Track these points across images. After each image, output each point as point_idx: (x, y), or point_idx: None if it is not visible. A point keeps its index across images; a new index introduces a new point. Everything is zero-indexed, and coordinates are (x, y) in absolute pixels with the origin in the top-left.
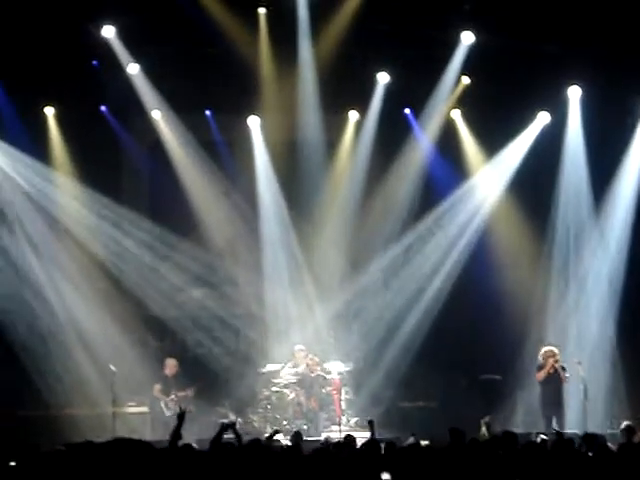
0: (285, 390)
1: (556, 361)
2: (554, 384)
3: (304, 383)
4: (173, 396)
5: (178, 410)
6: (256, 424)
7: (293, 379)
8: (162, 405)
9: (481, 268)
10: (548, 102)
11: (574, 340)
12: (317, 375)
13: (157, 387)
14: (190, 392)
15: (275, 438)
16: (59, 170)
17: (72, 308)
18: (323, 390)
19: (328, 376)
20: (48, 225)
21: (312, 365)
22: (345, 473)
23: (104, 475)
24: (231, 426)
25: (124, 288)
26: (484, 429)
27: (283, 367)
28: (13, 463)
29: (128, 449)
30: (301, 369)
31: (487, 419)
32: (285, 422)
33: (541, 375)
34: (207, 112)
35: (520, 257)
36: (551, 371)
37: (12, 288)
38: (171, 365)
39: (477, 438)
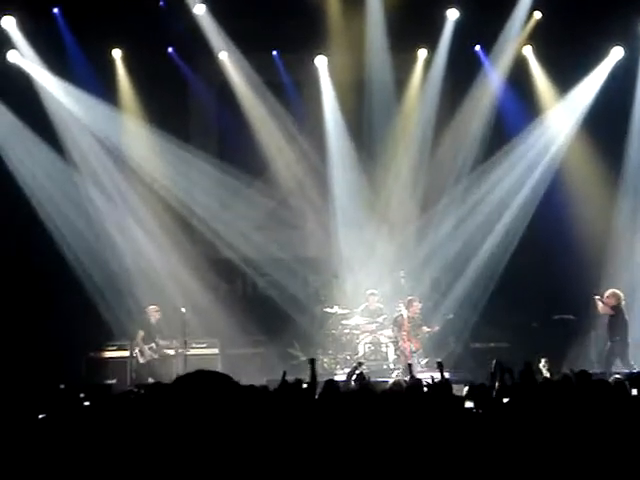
0: (355, 331)
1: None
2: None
3: (413, 324)
4: (153, 344)
5: (151, 358)
6: (326, 365)
7: (363, 321)
8: (137, 352)
9: (554, 206)
10: (621, 37)
11: None
12: (418, 316)
13: (140, 334)
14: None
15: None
16: (127, 112)
17: (143, 251)
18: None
19: (398, 317)
20: (117, 167)
21: (415, 307)
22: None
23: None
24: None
25: (194, 230)
26: (544, 370)
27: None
28: (87, 403)
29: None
30: (404, 312)
31: (544, 361)
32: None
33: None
34: (274, 52)
35: (593, 195)
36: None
37: (83, 231)
38: (153, 312)
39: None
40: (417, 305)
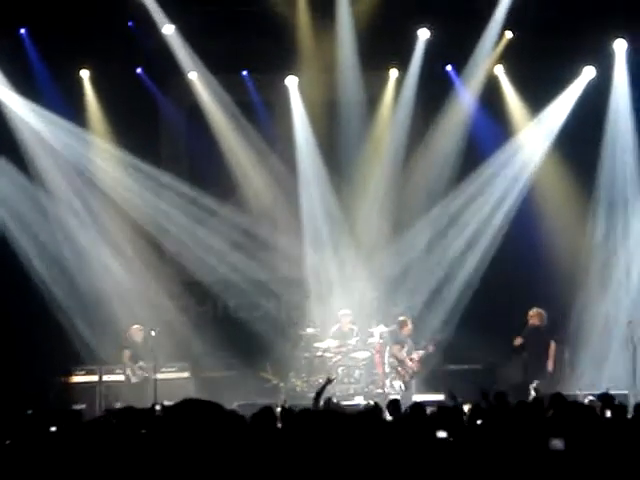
0: (327, 354)
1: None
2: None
3: (404, 343)
4: (142, 363)
5: (142, 378)
6: (298, 389)
7: (335, 343)
8: (129, 372)
9: (528, 227)
10: (593, 56)
11: (624, 300)
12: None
13: (127, 353)
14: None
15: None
16: (96, 133)
17: (113, 272)
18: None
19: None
20: (87, 189)
21: (408, 329)
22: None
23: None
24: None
25: (165, 252)
26: (533, 393)
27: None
28: (54, 428)
29: (203, 411)
30: (401, 329)
31: (535, 384)
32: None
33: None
34: (244, 72)
35: (566, 213)
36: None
37: (52, 251)
38: (137, 331)
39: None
40: (409, 327)
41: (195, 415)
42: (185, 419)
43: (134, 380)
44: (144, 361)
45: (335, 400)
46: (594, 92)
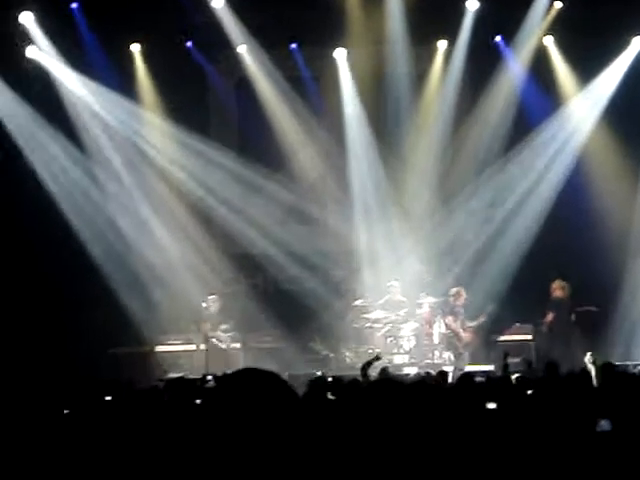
0: (376, 325)
1: None
2: None
3: (458, 314)
4: (225, 326)
5: (229, 342)
6: (348, 360)
7: (384, 314)
8: (215, 341)
9: (576, 197)
10: None
11: None
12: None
13: (206, 325)
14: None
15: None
16: (147, 107)
17: (163, 245)
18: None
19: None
20: (137, 162)
21: (463, 298)
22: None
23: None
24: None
25: (215, 225)
26: (590, 365)
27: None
28: (109, 398)
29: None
30: (455, 300)
31: (590, 355)
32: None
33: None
34: (293, 46)
35: (616, 186)
36: None
37: (103, 226)
38: (213, 301)
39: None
40: (464, 296)
41: (255, 384)
42: (245, 388)
43: (223, 346)
44: (225, 328)
45: (389, 370)
46: None
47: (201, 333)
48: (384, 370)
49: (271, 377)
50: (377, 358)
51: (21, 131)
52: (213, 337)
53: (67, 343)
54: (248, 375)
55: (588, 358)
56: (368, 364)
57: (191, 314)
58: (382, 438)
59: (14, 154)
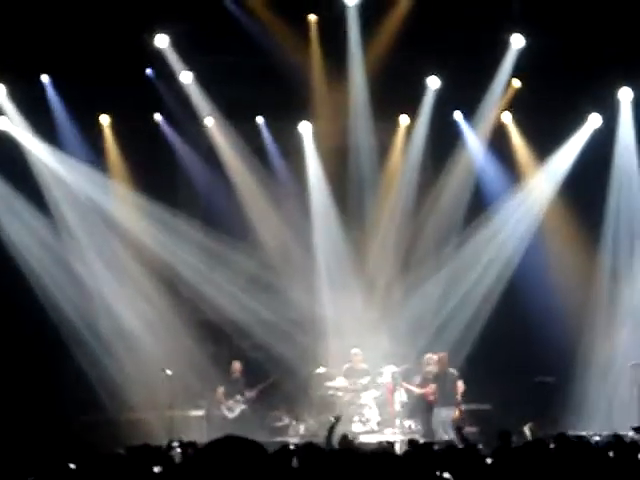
0: (338, 393)
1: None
2: None
3: (438, 381)
4: (239, 397)
5: (238, 411)
6: (310, 427)
7: (347, 382)
8: (223, 408)
9: (533, 271)
10: (599, 104)
11: (629, 342)
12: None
13: (221, 390)
14: (255, 392)
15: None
16: (115, 178)
17: (128, 313)
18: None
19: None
20: (105, 232)
21: (443, 362)
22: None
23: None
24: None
25: (180, 293)
26: (528, 434)
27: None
28: (73, 466)
29: (240, 449)
30: (433, 368)
31: (530, 424)
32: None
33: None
34: (259, 119)
35: (572, 260)
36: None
37: (71, 294)
38: (237, 367)
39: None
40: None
41: (237, 453)
42: (227, 456)
43: (230, 416)
44: (245, 394)
45: (350, 438)
46: (600, 140)
47: (215, 399)
48: (345, 438)
49: (254, 446)
50: (337, 419)
51: None
52: (221, 405)
53: (35, 411)
54: (232, 443)
55: (528, 427)
56: (332, 428)
57: (154, 381)
58: None
59: None
